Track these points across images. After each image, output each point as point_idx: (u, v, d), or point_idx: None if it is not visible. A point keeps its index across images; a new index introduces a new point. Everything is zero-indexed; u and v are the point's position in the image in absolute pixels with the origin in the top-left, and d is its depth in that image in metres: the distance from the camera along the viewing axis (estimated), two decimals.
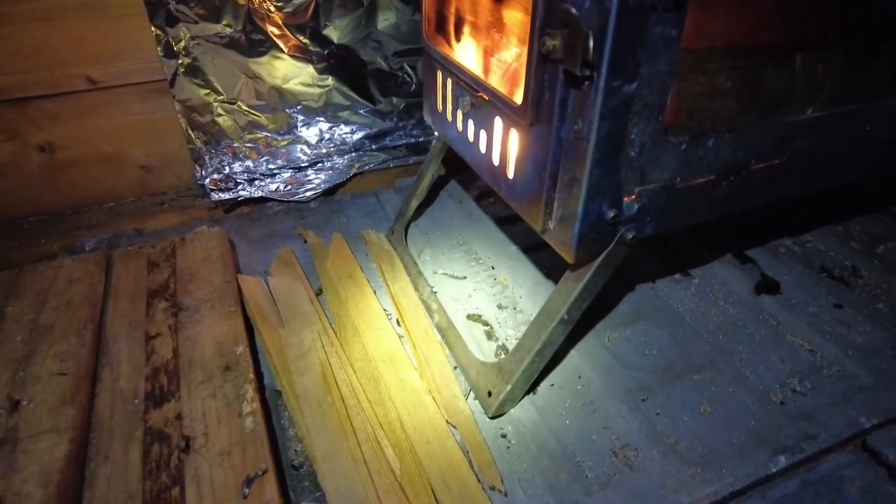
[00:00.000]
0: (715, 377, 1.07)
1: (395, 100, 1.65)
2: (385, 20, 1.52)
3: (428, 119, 1.24)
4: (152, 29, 1.32)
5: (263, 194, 1.52)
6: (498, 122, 0.91)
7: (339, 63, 1.53)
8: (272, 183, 1.56)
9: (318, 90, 1.55)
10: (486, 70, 0.97)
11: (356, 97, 1.61)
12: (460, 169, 1.73)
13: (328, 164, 1.64)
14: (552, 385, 1.06)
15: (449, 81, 1.05)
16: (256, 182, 1.56)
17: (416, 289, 1.23)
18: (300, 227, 1.46)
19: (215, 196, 1.49)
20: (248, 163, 1.55)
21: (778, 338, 1.17)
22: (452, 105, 1.06)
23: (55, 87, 1.30)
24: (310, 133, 1.61)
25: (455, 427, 0.93)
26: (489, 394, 0.98)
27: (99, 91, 1.35)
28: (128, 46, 1.33)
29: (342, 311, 1.15)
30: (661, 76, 0.73)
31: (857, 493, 0.89)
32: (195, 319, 1.03)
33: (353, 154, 1.68)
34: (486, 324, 1.17)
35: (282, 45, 1.45)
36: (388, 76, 1.61)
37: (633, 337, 1.17)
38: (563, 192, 0.82)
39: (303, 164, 1.62)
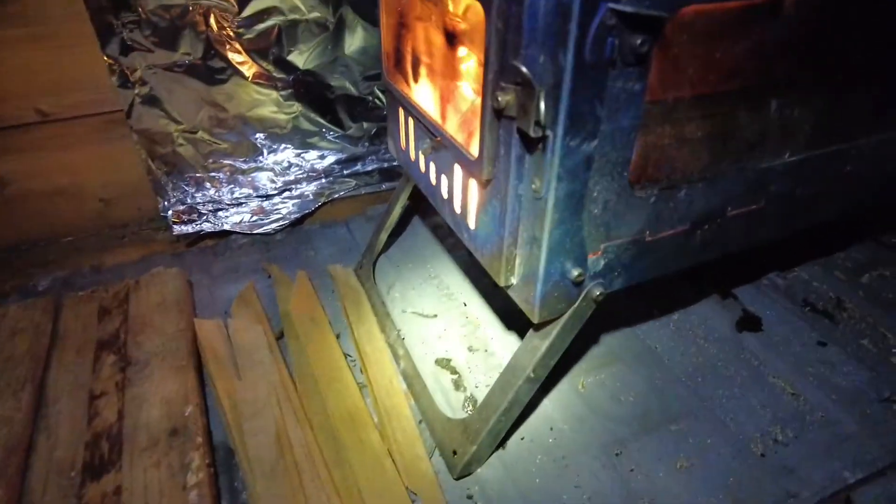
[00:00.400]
0: (692, 426, 1.03)
1: (365, 124, 1.60)
2: (352, 44, 1.47)
3: (393, 152, 1.19)
4: (105, 59, 1.25)
5: (227, 227, 1.46)
6: (457, 170, 0.86)
7: (306, 89, 1.47)
8: (237, 213, 1.50)
9: (284, 116, 1.49)
10: (444, 115, 0.92)
11: (324, 122, 1.55)
12: None
13: (296, 192, 1.58)
14: (522, 438, 1.00)
15: (410, 120, 0.99)
16: (221, 213, 1.49)
17: (383, 331, 1.18)
18: (265, 262, 1.40)
19: (178, 229, 1.43)
20: (212, 192, 1.49)
21: (759, 380, 1.13)
22: (415, 144, 1.01)
23: (2, 120, 1.24)
24: (276, 160, 1.55)
25: (416, 494, 0.88)
26: (454, 453, 0.93)
27: (50, 123, 1.29)
28: (79, 77, 1.27)
29: (302, 358, 1.10)
30: (624, 132, 0.68)
31: None
32: (144, 375, 0.97)
33: (323, 180, 1.62)
34: (454, 371, 1.11)
35: (244, 72, 1.39)
36: (357, 101, 1.56)
37: (608, 381, 1.12)
38: (524, 250, 0.77)
39: (270, 193, 1.56)
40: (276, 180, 1.56)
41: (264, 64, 1.40)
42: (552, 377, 1.11)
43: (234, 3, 1.30)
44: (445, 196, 0.93)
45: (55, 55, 1.22)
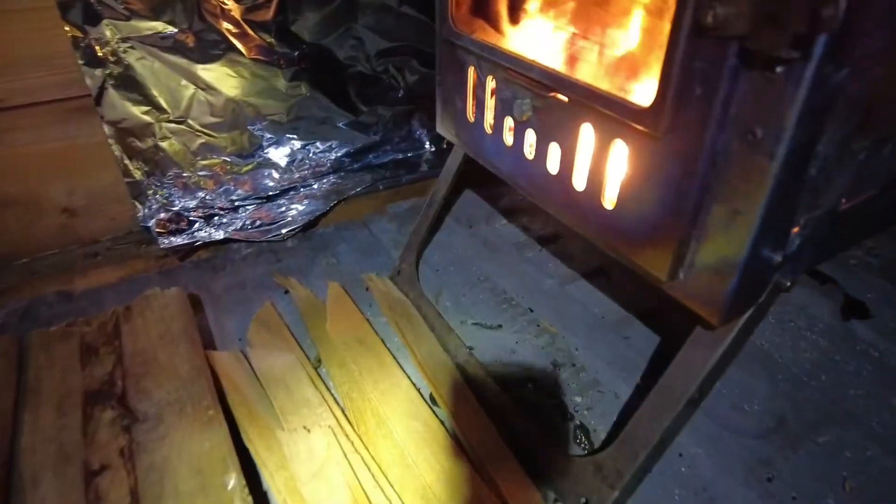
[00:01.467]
0: (841, 436, 0.86)
1: (380, 109, 1.37)
2: (367, 13, 1.24)
3: (444, 131, 0.97)
4: (66, 28, 0.98)
5: (226, 234, 1.20)
6: (588, 132, 0.65)
7: (313, 66, 1.24)
8: (236, 219, 1.25)
9: (287, 101, 1.25)
10: (572, 61, 0.71)
11: (334, 107, 1.31)
12: (466, 186, 1.47)
13: (304, 191, 1.34)
14: (650, 472, 0.80)
15: (491, 80, 0.78)
16: (216, 219, 1.24)
17: (447, 349, 0.95)
18: (278, 274, 1.15)
19: (165, 241, 1.16)
20: (204, 195, 1.23)
21: (888, 373, 0.97)
22: (497, 111, 0.80)
23: None
24: (279, 154, 1.30)
25: None
26: (585, 502, 0.72)
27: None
28: (34, 52, 0.99)
29: (357, 391, 0.86)
30: (875, 56, 0.49)
31: None
32: (159, 435, 0.72)
33: (333, 176, 1.38)
34: (548, 394, 0.90)
35: (241, 47, 1.15)
36: (370, 81, 1.33)
37: (724, 389, 0.94)
38: (711, 231, 0.57)
39: (272, 193, 1.31)
40: (278, 178, 1.31)
41: (265, 36, 1.16)
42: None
43: None
44: (555, 170, 0.72)
45: (3, 24, 0.95)
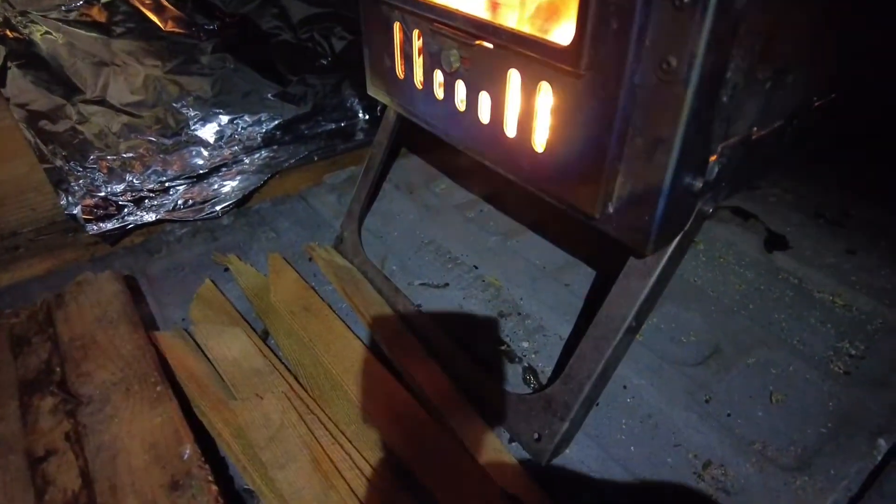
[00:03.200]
0: (768, 356, 0.92)
1: (308, 79, 1.34)
2: None
3: (375, 91, 0.97)
4: None
5: (158, 216, 1.16)
6: (515, 77, 0.66)
7: (235, 38, 1.20)
8: (167, 200, 1.21)
9: (211, 75, 1.20)
10: (495, 7, 0.72)
11: (260, 79, 1.28)
12: (402, 152, 1.46)
13: (235, 168, 1.30)
14: (598, 405, 0.85)
15: (417, 34, 0.78)
16: (146, 202, 1.19)
17: (395, 309, 0.96)
18: (216, 253, 1.13)
19: (93, 228, 1.11)
20: (131, 178, 1.18)
21: (807, 297, 1.05)
22: (426, 65, 0.80)
23: None
24: (206, 131, 1.26)
25: (517, 496, 0.69)
26: (538, 437, 0.75)
27: None
28: None
29: (308, 357, 0.86)
30: None
31: None
32: (106, 416, 0.70)
33: (265, 151, 1.35)
34: (496, 341, 0.93)
35: (157, 20, 1.10)
36: (296, 50, 1.30)
37: (662, 324, 0.99)
38: (635, 162, 0.59)
39: (203, 171, 1.26)
40: (207, 156, 1.27)
41: (182, 8, 1.11)
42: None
43: None
44: (486, 119, 0.73)
45: None
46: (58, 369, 0.75)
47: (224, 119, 1.27)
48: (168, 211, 1.17)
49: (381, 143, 1.06)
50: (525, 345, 0.93)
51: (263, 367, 0.83)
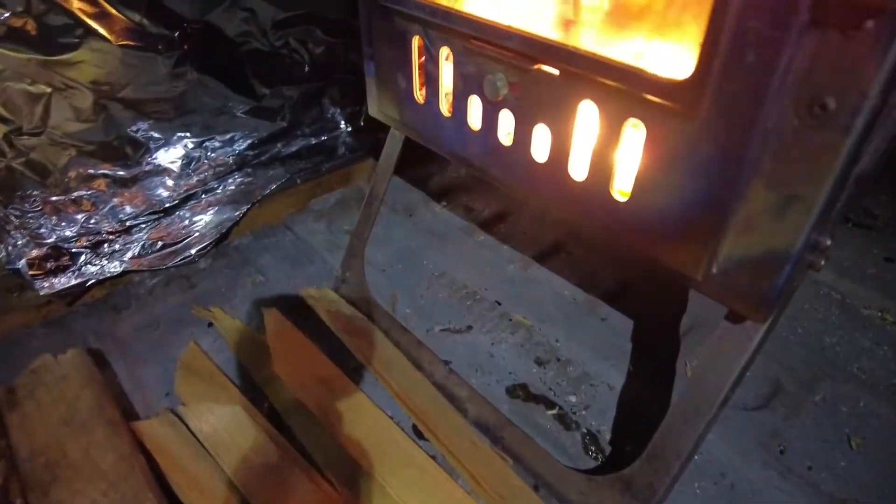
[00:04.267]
0: (833, 390, 0.85)
1: (284, 90, 1.18)
2: None
3: (383, 115, 0.82)
4: None
5: (124, 266, 0.99)
6: (590, 111, 0.54)
7: (199, 48, 1.02)
8: (131, 243, 1.03)
9: (172, 92, 1.03)
10: (567, 25, 0.59)
11: (230, 93, 1.11)
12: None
13: (206, 198, 1.14)
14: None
15: (446, 52, 0.64)
16: (105, 247, 1.01)
17: (420, 367, 0.83)
18: (196, 306, 0.97)
19: (43, 285, 0.93)
20: (84, 219, 1.00)
21: (854, 315, 0.98)
22: (457, 90, 0.66)
23: None
24: (170, 157, 1.09)
25: None
26: None
27: None
28: None
29: (330, 443, 0.73)
30: None
31: None
32: None
33: (238, 175, 1.18)
34: (541, 399, 0.81)
35: (103, 31, 0.91)
36: (269, 58, 1.13)
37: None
38: (759, 220, 0.48)
39: (169, 204, 1.09)
40: (173, 186, 1.09)
41: (133, 15, 0.93)
42: (649, 366, 0.86)
43: None
44: (543, 158, 0.60)
45: None
46: (18, 502, 0.59)
47: (190, 142, 1.10)
48: (134, 258, 1.00)
49: (384, 171, 0.91)
50: (573, 399, 0.82)
51: (278, 461, 0.69)
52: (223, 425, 0.74)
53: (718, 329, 0.60)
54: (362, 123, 1.31)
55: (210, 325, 0.93)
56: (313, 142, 1.27)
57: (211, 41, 1.03)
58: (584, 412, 0.81)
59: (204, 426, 0.74)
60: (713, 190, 0.48)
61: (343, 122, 1.31)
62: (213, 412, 0.76)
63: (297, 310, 0.95)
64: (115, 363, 0.87)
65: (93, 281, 0.96)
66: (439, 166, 1.31)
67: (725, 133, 0.45)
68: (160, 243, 1.04)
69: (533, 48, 0.54)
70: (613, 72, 0.49)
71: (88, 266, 0.98)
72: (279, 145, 1.23)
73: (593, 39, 0.56)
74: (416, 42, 0.68)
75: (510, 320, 0.94)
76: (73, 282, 0.95)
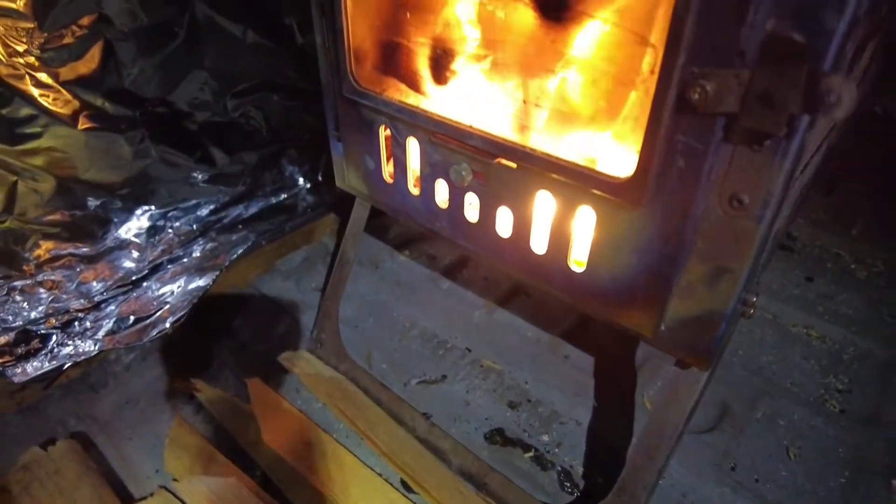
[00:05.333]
0: (772, 406, 0.95)
1: (244, 156, 1.22)
2: (211, 50, 1.08)
3: (351, 189, 0.88)
4: None
5: (99, 346, 1.00)
6: (546, 198, 0.61)
7: (159, 125, 1.05)
8: (103, 319, 1.04)
9: (135, 168, 1.05)
10: (518, 124, 0.66)
11: (191, 164, 1.14)
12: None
13: (173, 267, 1.15)
14: None
15: (413, 141, 0.71)
16: (76, 325, 1.02)
17: (403, 423, 0.89)
18: (177, 379, 0.99)
19: (15, 373, 0.93)
20: (51, 298, 1.01)
21: (785, 334, 1.09)
22: (424, 173, 0.73)
23: None
24: (134, 229, 1.10)
25: None
26: None
27: None
28: None
29: (320, 501, 0.77)
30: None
31: None
32: None
33: (202, 240, 1.20)
34: (517, 442, 0.88)
35: (64, 115, 0.93)
36: (228, 128, 1.17)
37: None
38: (696, 288, 0.56)
39: (137, 277, 1.11)
40: (140, 257, 1.11)
41: (93, 98, 0.95)
42: (611, 400, 0.95)
43: (30, 12, 0.84)
44: (507, 234, 0.68)
45: None
46: None
47: (154, 213, 1.12)
48: (109, 335, 1.01)
49: (353, 234, 0.97)
50: (545, 438, 0.89)
51: None
52: (220, 498, 0.76)
53: (670, 374, 0.68)
54: (320, 178, 1.36)
55: (192, 397, 0.96)
56: (274, 202, 1.31)
57: (171, 117, 1.07)
58: (556, 450, 0.88)
59: (202, 501, 0.76)
60: (657, 264, 0.56)
61: (302, 180, 1.35)
62: (208, 485, 0.78)
63: (277, 375, 0.98)
64: (100, 444, 0.88)
65: (69, 364, 0.97)
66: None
67: (663, 220, 0.53)
68: (132, 317, 1.05)
69: (492, 146, 0.61)
70: (564, 170, 0.57)
71: (61, 348, 0.98)
72: (241, 208, 1.26)
73: (547, 139, 0.64)
74: (382, 130, 0.74)
75: (481, 366, 1.01)
76: (48, 366, 0.95)
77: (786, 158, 0.46)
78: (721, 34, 0.43)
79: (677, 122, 0.48)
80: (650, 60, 0.51)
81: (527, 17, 0.57)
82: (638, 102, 0.54)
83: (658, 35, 0.48)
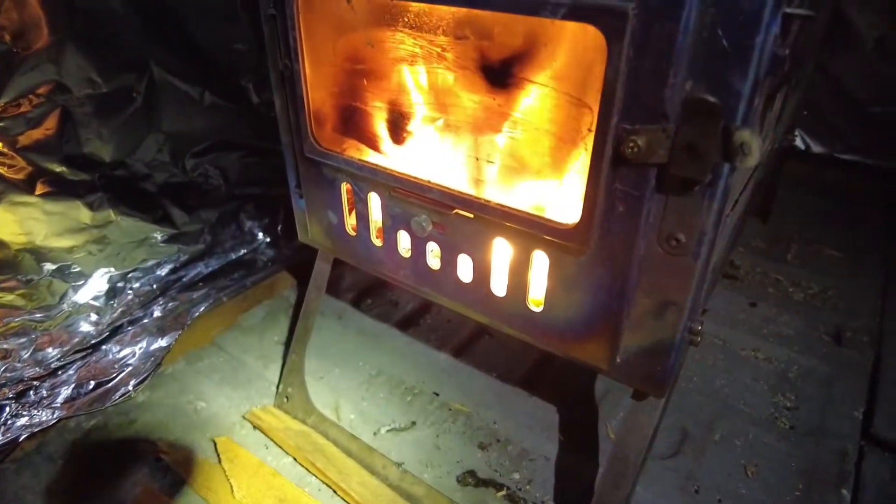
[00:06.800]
0: (728, 428, 1.00)
1: (203, 214, 1.23)
2: (169, 113, 1.10)
3: (315, 243, 0.91)
4: None
5: (57, 414, 0.97)
6: (502, 245, 0.65)
7: (118, 188, 1.06)
8: (60, 386, 1.01)
9: (94, 233, 1.05)
10: (473, 178, 0.70)
11: (150, 226, 1.14)
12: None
13: (133, 329, 1.14)
14: None
15: (374, 197, 0.75)
16: (31, 394, 0.99)
17: (375, 473, 0.89)
18: (141, 442, 0.97)
19: None
20: (6, 370, 0.98)
21: (735, 358, 1.15)
22: (386, 225, 0.76)
23: None
24: (92, 292, 1.10)
25: None
26: None
27: None
28: None
29: None
30: None
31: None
32: None
33: (162, 300, 1.20)
34: (490, 483, 0.89)
35: (20, 182, 0.93)
36: (187, 187, 1.19)
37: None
38: (644, 321, 0.61)
39: (96, 340, 1.09)
40: (98, 320, 1.10)
41: (51, 164, 0.96)
42: (576, 433, 0.97)
43: None
44: (468, 279, 0.71)
45: None
46: None
47: (113, 275, 1.11)
48: (68, 402, 0.99)
49: (317, 287, 0.99)
50: (517, 476, 0.91)
51: None
52: None
53: (629, 404, 0.72)
54: (280, 231, 1.38)
55: (158, 459, 0.94)
56: (234, 257, 1.32)
57: (130, 180, 1.08)
58: (528, 487, 0.90)
59: None
60: (607, 301, 0.61)
61: (261, 234, 1.37)
62: None
63: (245, 432, 0.97)
64: None
65: (25, 435, 0.93)
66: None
67: (610, 261, 0.58)
68: (93, 382, 1.03)
69: (449, 199, 0.65)
70: (516, 219, 0.61)
71: (16, 419, 0.95)
72: (201, 266, 1.26)
73: (499, 191, 0.69)
74: (344, 187, 0.78)
75: (450, 409, 1.02)
76: (1, 439, 0.92)
77: (714, 200, 0.51)
78: (648, 95, 0.48)
79: (615, 172, 0.53)
80: (588, 120, 0.56)
81: (475, 83, 0.62)
82: (579, 157, 0.59)
83: (593, 97, 0.53)
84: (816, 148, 1.85)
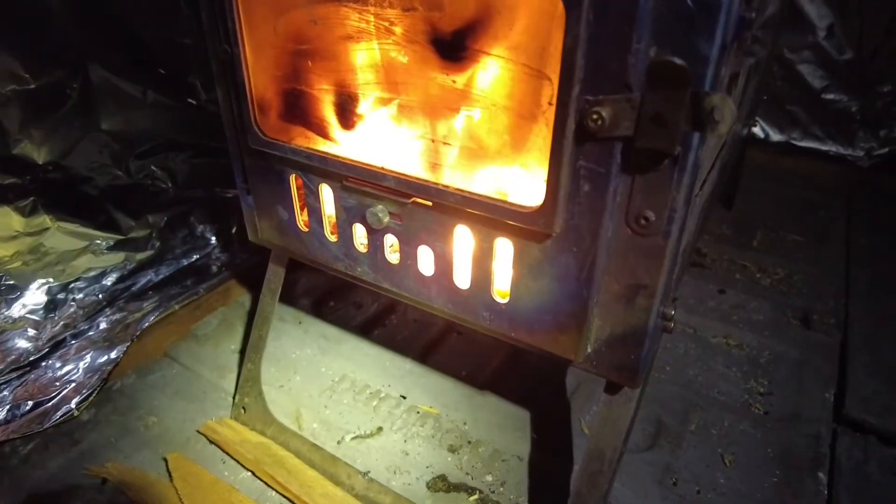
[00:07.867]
0: (704, 417, 0.98)
1: (150, 218, 1.16)
2: (109, 114, 1.03)
3: (267, 242, 0.85)
4: None
5: None
6: (464, 233, 0.62)
7: (54, 192, 0.99)
8: None
9: (28, 241, 0.97)
10: (429, 162, 0.66)
11: (93, 232, 1.07)
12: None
13: (78, 341, 1.06)
14: None
15: (325, 188, 0.70)
16: None
17: (340, 483, 0.84)
18: (87, 465, 0.89)
19: None
20: None
21: (706, 345, 1.14)
22: (340, 219, 0.71)
23: None
24: (29, 305, 1.02)
25: None
26: None
27: None
28: None
29: None
30: None
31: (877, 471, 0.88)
32: None
33: (109, 311, 1.12)
34: (461, 487, 0.85)
35: None
36: (132, 190, 1.12)
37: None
38: (615, 307, 0.58)
39: (34, 357, 1.01)
40: (37, 335, 1.02)
41: None
42: (549, 430, 0.94)
43: None
44: (429, 272, 0.67)
45: None
46: None
47: (52, 286, 1.04)
48: (1, 425, 0.91)
49: (272, 291, 0.93)
50: (489, 478, 0.87)
51: None
52: None
53: (603, 397, 0.69)
54: (233, 232, 1.32)
55: (104, 482, 0.87)
56: (185, 264, 1.25)
57: (67, 183, 1.00)
58: (501, 489, 0.86)
59: None
60: (575, 287, 0.57)
61: (214, 238, 1.30)
62: None
63: (200, 447, 0.91)
64: None
65: None
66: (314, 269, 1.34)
67: (576, 245, 0.55)
68: (30, 402, 0.95)
69: (406, 186, 0.61)
70: (477, 204, 0.57)
71: None
72: (150, 273, 1.19)
73: (459, 175, 0.65)
74: (293, 179, 0.73)
75: (418, 412, 0.98)
76: None
77: (684, 175, 0.48)
78: (610, 63, 0.45)
79: (578, 148, 0.49)
80: (548, 93, 0.53)
81: (427, 59, 0.58)
82: (540, 134, 0.56)
83: (553, 68, 0.50)
84: (775, 136, 1.87)
